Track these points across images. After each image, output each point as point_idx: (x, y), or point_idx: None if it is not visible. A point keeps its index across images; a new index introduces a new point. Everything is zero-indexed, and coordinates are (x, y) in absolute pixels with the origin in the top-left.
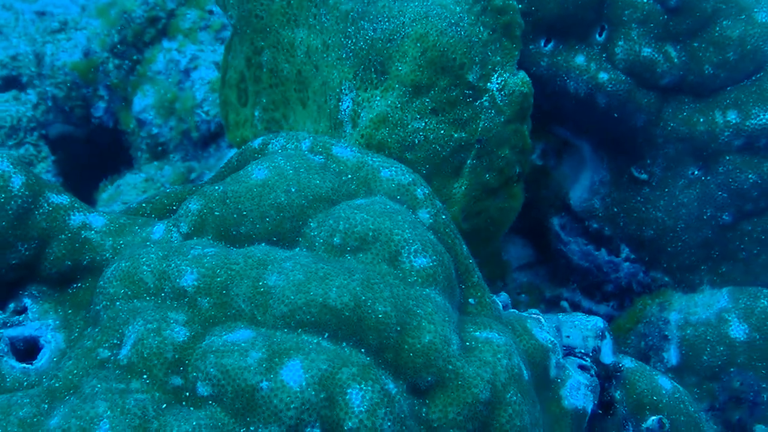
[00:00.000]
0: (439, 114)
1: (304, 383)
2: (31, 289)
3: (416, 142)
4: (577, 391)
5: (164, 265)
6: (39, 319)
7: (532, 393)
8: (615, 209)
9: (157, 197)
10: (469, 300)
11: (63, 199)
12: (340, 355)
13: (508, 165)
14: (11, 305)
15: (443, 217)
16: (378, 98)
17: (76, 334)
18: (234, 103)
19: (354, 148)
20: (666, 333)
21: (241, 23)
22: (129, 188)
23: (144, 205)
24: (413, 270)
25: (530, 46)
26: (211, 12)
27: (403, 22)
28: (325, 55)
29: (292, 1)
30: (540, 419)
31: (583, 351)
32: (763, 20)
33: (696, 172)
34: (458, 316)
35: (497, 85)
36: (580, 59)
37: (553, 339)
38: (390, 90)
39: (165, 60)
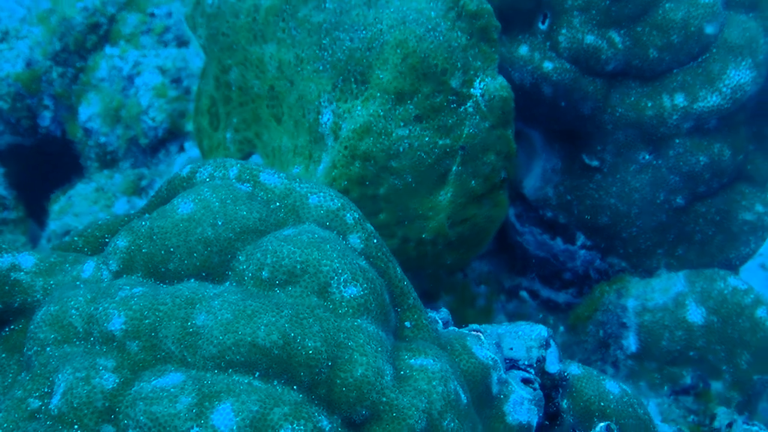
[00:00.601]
0: (423, 121)
1: (235, 427)
2: None
3: (401, 150)
4: (521, 406)
5: (92, 308)
6: None
7: (471, 416)
8: (568, 197)
9: (89, 230)
10: (405, 323)
11: None
12: (271, 395)
13: (494, 171)
14: None
15: (374, 240)
16: (359, 108)
17: (9, 380)
18: (207, 129)
19: (281, 174)
20: (624, 320)
21: (209, 42)
22: (80, 199)
23: (76, 239)
24: (344, 300)
25: None
26: (152, 15)
27: (381, 30)
28: (299, 69)
29: (257, 17)
30: None
31: (526, 362)
32: (706, 1)
33: (647, 157)
34: (393, 342)
35: (480, 91)
36: (523, 49)
37: (493, 356)
38: (371, 99)
39: (108, 67)
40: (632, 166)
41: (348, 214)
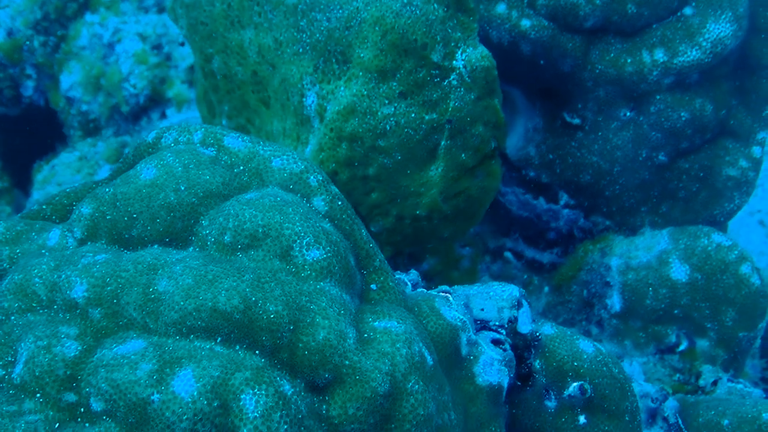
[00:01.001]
0: (408, 97)
1: (195, 393)
2: None
3: (388, 128)
4: (491, 367)
5: (55, 276)
6: None
7: (438, 377)
8: (550, 156)
9: (57, 198)
10: (371, 286)
11: None
12: (233, 360)
13: (483, 142)
14: None
15: (339, 203)
16: (342, 89)
17: None
18: (207, 117)
19: (245, 138)
20: (608, 279)
21: (190, 33)
22: (63, 168)
23: (44, 207)
24: (306, 264)
25: None
26: None
27: (357, 7)
28: (279, 52)
29: (232, 3)
30: (449, 402)
31: (498, 323)
32: None
33: (628, 114)
34: (358, 305)
35: (463, 62)
36: (501, 8)
37: (461, 317)
38: (354, 79)
39: (88, 35)
40: (614, 123)
41: (312, 177)
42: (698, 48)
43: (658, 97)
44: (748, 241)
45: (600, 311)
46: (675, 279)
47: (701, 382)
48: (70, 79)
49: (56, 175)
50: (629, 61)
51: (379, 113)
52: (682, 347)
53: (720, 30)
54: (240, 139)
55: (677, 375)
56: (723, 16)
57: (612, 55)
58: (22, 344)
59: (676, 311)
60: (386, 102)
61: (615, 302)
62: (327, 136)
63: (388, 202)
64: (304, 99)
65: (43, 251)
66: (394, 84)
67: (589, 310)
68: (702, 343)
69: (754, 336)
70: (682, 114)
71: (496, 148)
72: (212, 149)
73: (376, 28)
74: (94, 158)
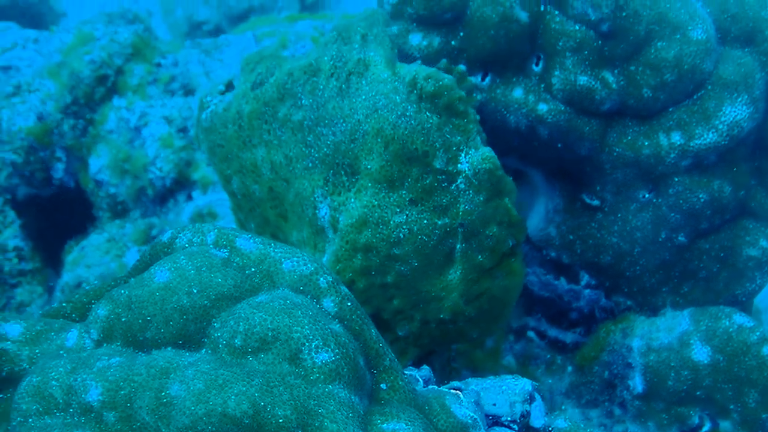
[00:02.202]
0: (418, 204)
1: None
2: None
3: (401, 236)
4: None
5: (71, 379)
6: None
7: None
8: (571, 236)
9: (77, 296)
10: (381, 385)
11: None
12: None
13: (499, 242)
14: None
15: (348, 303)
16: (353, 200)
17: None
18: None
19: (257, 239)
20: (629, 360)
21: (210, 155)
22: (92, 249)
23: (64, 304)
24: (315, 366)
25: None
26: (158, 65)
27: (359, 120)
28: (291, 168)
29: (242, 123)
30: None
31: (510, 418)
32: (699, 37)
33: (647, 195)
34: (367, 406)
35: (467, 165)
36: (518, 92)
37: (472, 414)
38: (363, 190)
39: (116, 118)
40: (632, 204)
41: (321, 278)
42: (715, 131)
43: (676, 179)
44: None
45: (622, 392)
46: (697, 360)
47: None
48: (99, 162)
49: (85, 256)
50: (646, 143)
51: (391, 222)
52: (705, 429)
53: (736, 113)
54: (252, 241)
55: None
56: (739, 99)
57: (629, 138)
58: None
59: (698, 393)
60: (397, 210)
61: (637, 384)
62: (342, 248)
63: (410, 308)
64: (317, 211)
65: (61, 352)
66: (404, 192)
67: (611, 391)
68: (725, 425)
69: None
70: (701, 195)
71: (514, 246)
72: (225, 251)
73: (378, 140)
74: (122, 240)
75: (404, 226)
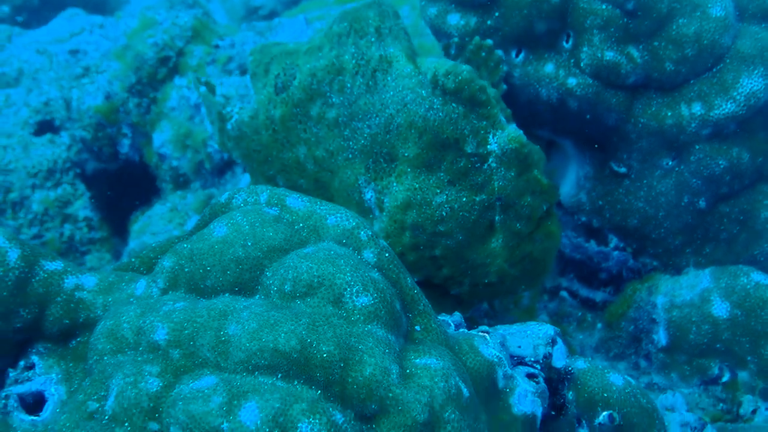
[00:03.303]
0: (456, 184)
1: (259, 422)
2: (37, 346)
3: (444, 214)
4: (525, 398)
5: (141, 321)
6: (45, 373)
7: (474, 407)
8: (600, 202)
9: (144, 252)
10: (416, 327)
11: (57, 265)
12: (292, 393)
13: (534, 209)
14: (21, 363)
15: (386, 254)
16: (395, 184)
17: (75, 386)
18: None
19: (305, 198)
20: (654, 316)
21: (246, 160)
22: (157, 218)
23: (133, 260)
24: (356, 309)
25: (504, 59)
26: (216, 47)
27: (391, 114)
28: (333, 160)
29: (276, 128)
30: (485, 430)
31: (533, 359)
32: (718, 14)
33: (670, 163)
34: (403, 344)
35: (496, 145)
36: (549, 67)
37: (498, 354)
38: (403, 174)
39: (177, 96)
40: (657, 171)
41: (362, 232)
42: (733, 101)
43: (697, 147)
44: None
45: (648, 346)
46: (716, 315)
47: (741, 411)
48: (162, 137)
49: (150, 225)
50: (669, 114)
51: (433, 202)
52: (724, 379)
53: (753, 84)
54: (300, 200)
55: (720, 404)
56: (755, 72)
57: (653, 109)
58: (113, 381)
59: (718, 345)
60: (437, 191)
61: (661, 337)
62: (391, 226)
63: (459, 275)
64: (362, 195)
65: (131, 299)
66: (441, 174)
67: (637, 345)
68: (743, 375)
69: None
70: (721, 162)
71: (548, 209)
72: (276, 209)
73: (412, 131)
74: (183, 209)
75: (446, 205)
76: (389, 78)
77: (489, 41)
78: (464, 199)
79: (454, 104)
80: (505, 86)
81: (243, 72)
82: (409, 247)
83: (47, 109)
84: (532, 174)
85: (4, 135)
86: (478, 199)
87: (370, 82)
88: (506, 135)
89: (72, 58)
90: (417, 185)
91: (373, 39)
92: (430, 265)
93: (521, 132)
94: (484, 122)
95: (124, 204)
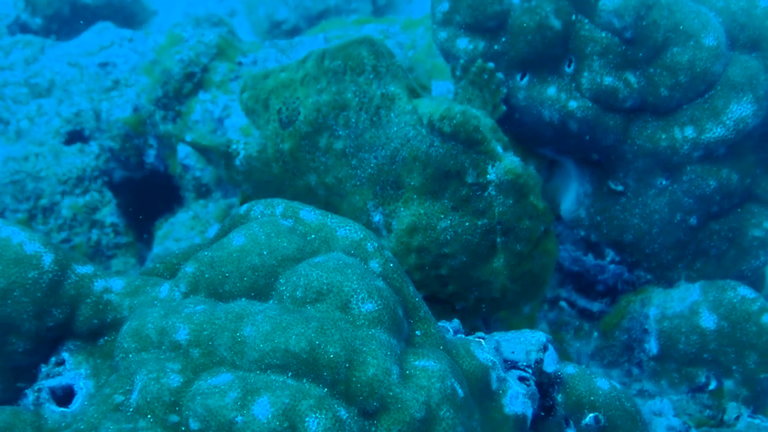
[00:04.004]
0: (459, 210)
1: (270, 416)
2: (68, 344)
3: (449, 238)
4: (516, 400)
5: (164, 322)
6: (74, 369)
7: (468, 407)
8: (598, 218)
9: (168, 258)
10: (416, 332)
11: (87, 269)
12: (300, 390)
13: (532, 231)
14: (53, 359)
15: (391, 265)
16: (402, 209)
17: (103, 381)
18: None
19: (317, 211)
20: (646, 327)
21: (258, 190)
22: (179, 226)
23: (158, 265)
24: (361, 314)
25: (509, 81)
26: (240, 64)
27: (396, 147)
28: (342, 186)
29: (286, 159)
30: (478, 428)
31: (525, 363)
32: (710, 44)
33: (664, 182)
34: (404, 347)
35: (495, 175)
36: (551, 90)
37: (492, 358)
38: (410, 201)
39: (201, 110)
40: (651, 190)
41: (369, 244)
42: (723, 126)
43: (689, 168)
44: None
45: (639, 354)
46: (704, 327)
47: (725, 417)
48: (186, 149)
49: (173, 231)
50: (663, 136)
51: (438, 227)
52: (711, 387)
53: (742, 110)
54: (312, 213)
55: (707, 411)
56: (744, 98)
57: (649, 131)
58: (137, 376)
59: (705, 355)
60: (442, 217)
61: (652, 347)
62: (398, 247)
63: (464, 291)
64: (371, 217)
65: (155, 302)
66: (445, 201)
67: (630, 353)
68: (728, 384)
69: None
70: (711, 182)
71: (545, 230)
72: (290, 220)
73: (416, 164)
74: (205, 217)
75: (450, 229)
76: (392, 114)
77: (491, 64)
78: (467, 224)
79: (452, 142)
80: (504, 107)
81: None
82: (415, 267)
83: (78, 120)
84: (529, 200)
85: (36, 143)
86: (480, 223)
87: (374, 118)
88: (503, 167)
89: (101, 71)
90: (422, 211)
91: (371, 76)
92: (436, 282)
93: (517, 162)
94: (483, 156)
95: (149, 211)
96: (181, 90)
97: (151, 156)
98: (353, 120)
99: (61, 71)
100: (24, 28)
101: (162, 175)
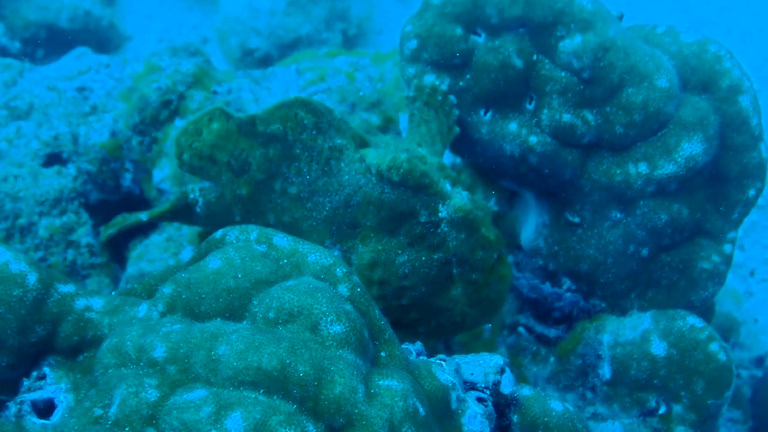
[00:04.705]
0: (415, 246)
1: (242, 430)
2: (49, 359)
3: (407, 271)
4: (475, 419)
5: (142, 340)
6: (55, 383)
7: (429, 425)
8: (556, 247)
9: (145, 279)
10: (381, 353)
11: (69, 288)
12: (271, 406)
13: (486, 261)
14: (34, 373)
15: (358, 289)
16: (360, 246)
17: (82, 395)
18: None
19: (289, 238)
20: (600, 352)
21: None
22: (153, 247)
23: (136, 286)
24: (329, 336)
25: (473, 116)
26: (215, 92)
27: (349, 193)
28: (298, 225)
29: (245, 203)
30: None
31: (483, 385)
32: (663, 85)
33: (618, 215)
34: (369, 367)
35: (446, 213)
36: (513, 126)
37: (452, 379)
38: (367, 238)
39: None
40: (606, 222)
41: (338, 269)
42: (674, 163)
43: (642, 202)
44: None
45: (593, 379)
46: (655, 354)
47: None
48: (161, 173)
49: (147, 252)
50: (618, 172)
51: (396, 261)
52: (661, 411)
53: (693, 149)
54: (285, 239)
55: None
56: (695, 137)
57: (604, 166)
58: (117, 391)
59: (655, 381)
60: (399, 252)
61: (606, 372)
62: (360, 280)
63: (425, 318)
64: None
65: (134, 321)
66: (401, 238)
67: (584, 378)
68: (677, 408)
69: (721, 403)
70: (663, 216)
71: (498, 257)
72: (264, 246)
73: (370, 207)
74: (178, 239)
75: (408, 263)
76: (342, 164)
77: (444, 86)
78: (423, 258)
79: (402, 188)
80: (458, 129)
81: None
82: (377, 298)
83: (56, 143)
84: (480, 233)
85: (15, 165)
86: (435, 257)
87: (326, 168)
88: (453, 205)
89: (79, 95)
90: (380, 247)
91: (314, 132)
92: (398, 310)
93: (466, 198)
94: (433, 197)
95: (123, 233)
96: (158, 117)
97: (127, 179)
98: (305, 169)
99: (40, 95)
100: (4, 52)
101: (137, 198)
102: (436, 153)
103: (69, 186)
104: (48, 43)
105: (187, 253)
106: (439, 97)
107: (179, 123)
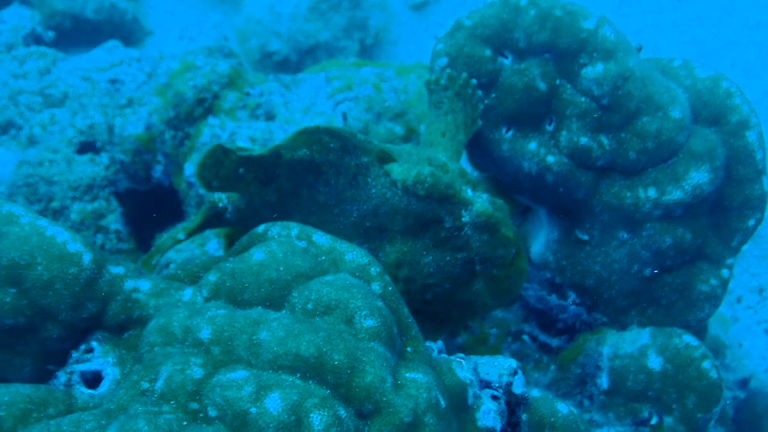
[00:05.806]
0: (440, 247)
1: (280, 409)
2: (97, 334)
3: (431, 271)
4: (488, 415)
5: (188, 321)
6: (102, 357)
7: (448, 417)
8: (564, 262)
9: (189, 266)
10: (407, 348)
11: (119, 269)
12: (307, 390)
13: (506, 258)
14: (82, 346)
15: (390, 288)
16: (387, 246)
17: (127, 369)
18: None
19: (328, 236)
20: (599, 363)
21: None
22: None
23: (179, 272)
24: (363, 329)
25: (495, 133)
26: (247, 94)
27: (377, 204)
28: (325, 228)
29: (274, 206)
30: None
31: (497, 384)
32: (676, 116)
33: (625, 236)
34: (396, 361)
35: (469, 218)
36: (532, 145)
37: (470, 376)
38: (394, 239)
39: (209, 134)
40: (614, 241)
41: (372, 268)
42: (682, 190)
43: (648, 224)
44: (753, 346)
45: (591, 388)
46: (651, 368)
47: None
48: (192, 168)
49: None
50: (628, 195)
51: (421, 262)
52: (652, 422)
53: (700, 178)
54: (324, 237)
55: None
56: (703, 167)
57: (616, 189)
58: (163, 367)
59: (650, 393)
60: (424, 253)
61: (603, 382)
62: (388, 274)
63: (449, 310)
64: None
65: (179, 304)
66: (426, 240)
67: (583, 386)
68: (668, 420)
69: (709, 418)
70: (667, 239)
71: (516, 251)
72: (304, 242)
73: (398, 215)
74: (205, 233)
75: (432, 263)
76: (369, 179)
77: (474, 80)
78: (448, 258)
79: (429, 199)
80: (480, 122)
81: (268, 118)
82: (402, 293)
83: (91, 132)
84: (501, 233)
85: (50, 150)
86: (459, 256)
87: (353, 182)
88: (475, 210)
89: (111, 87)
90: (406, 249)
91: (341, 153)
92: (422, 304)
93: (487, 202)
94: (456, 205)
95: (150, 222)
96: (192, 113)
97: (158, 171)
98: (332, 182)
99: (74, 84)
100: (38, 40)
101: (166, 190)
102: (459, 143)
103: (101, 174)
104: (72, 33)
105: (212, 245)
106: (470, 90)
107: (212, 121)
